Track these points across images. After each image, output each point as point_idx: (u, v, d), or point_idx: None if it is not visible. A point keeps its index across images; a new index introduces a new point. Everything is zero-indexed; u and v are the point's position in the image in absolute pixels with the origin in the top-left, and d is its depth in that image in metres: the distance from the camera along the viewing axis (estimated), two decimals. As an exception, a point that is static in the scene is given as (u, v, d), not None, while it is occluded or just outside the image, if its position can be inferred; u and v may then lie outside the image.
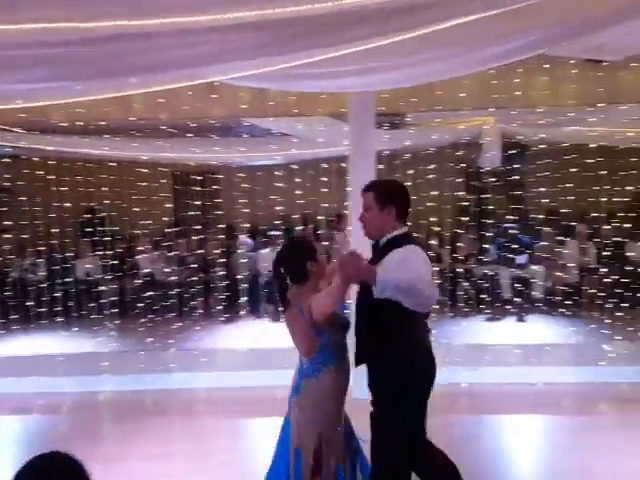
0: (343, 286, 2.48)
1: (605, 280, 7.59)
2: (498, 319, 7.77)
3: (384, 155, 6.48)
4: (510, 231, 8.11)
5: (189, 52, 2.62)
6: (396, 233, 2.79)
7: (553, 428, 5.07)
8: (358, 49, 2.49)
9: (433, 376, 2.83)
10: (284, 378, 5.81)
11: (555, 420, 5.20)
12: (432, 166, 7.22)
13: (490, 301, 7.97)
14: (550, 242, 8.56)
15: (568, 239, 8.59)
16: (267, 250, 8.61)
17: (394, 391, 2.73)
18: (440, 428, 4.89)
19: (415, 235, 3.03)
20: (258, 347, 6.27)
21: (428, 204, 7.23)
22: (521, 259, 8.30)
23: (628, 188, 8.63)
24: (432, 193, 7.24)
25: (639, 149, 8.27)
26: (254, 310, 8.20)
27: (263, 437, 4.91)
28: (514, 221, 8.12)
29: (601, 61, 5.33)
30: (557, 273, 8.39)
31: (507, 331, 7.20)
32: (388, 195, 2.85)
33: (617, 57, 5.22)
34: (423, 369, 2.80)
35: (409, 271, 2.54)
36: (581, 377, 5.84)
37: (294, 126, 6.68)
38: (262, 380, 5.73)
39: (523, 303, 7.94)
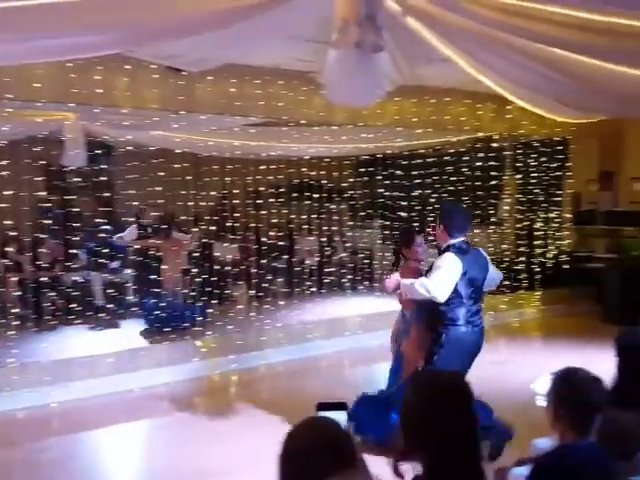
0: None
1: (197, 279, 8.41)
2: (94, 328, 7.69)
3: None
4: (100, 235, 8.10)
5: None
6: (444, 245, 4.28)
7: (151, 431, 5.37)
8: None
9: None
10: None
11: (153, 422, 5.52)
12: (5, 162, 6.62)
13: (82, 310, 7.81)
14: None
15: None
16: None
17: None
18: (31, 455, 4.60)
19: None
20: None
21: (2, 205, 6.60)
22: (114, 264, 8.42)
23: (212, 193, 9.85)
24: (6, 193, 6.64)
25: (219, 158, 9.50)
26: None
27: None
28: (105, 224, 8.15)
29: (181, 70, 5.83)
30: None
31: (101, 340, 7.19)
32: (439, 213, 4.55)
33: (193, 69, 5.85)
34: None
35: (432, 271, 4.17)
36: (177, 376, 6.35)
37: None
38: None
39: (117, 309, 8.09)
